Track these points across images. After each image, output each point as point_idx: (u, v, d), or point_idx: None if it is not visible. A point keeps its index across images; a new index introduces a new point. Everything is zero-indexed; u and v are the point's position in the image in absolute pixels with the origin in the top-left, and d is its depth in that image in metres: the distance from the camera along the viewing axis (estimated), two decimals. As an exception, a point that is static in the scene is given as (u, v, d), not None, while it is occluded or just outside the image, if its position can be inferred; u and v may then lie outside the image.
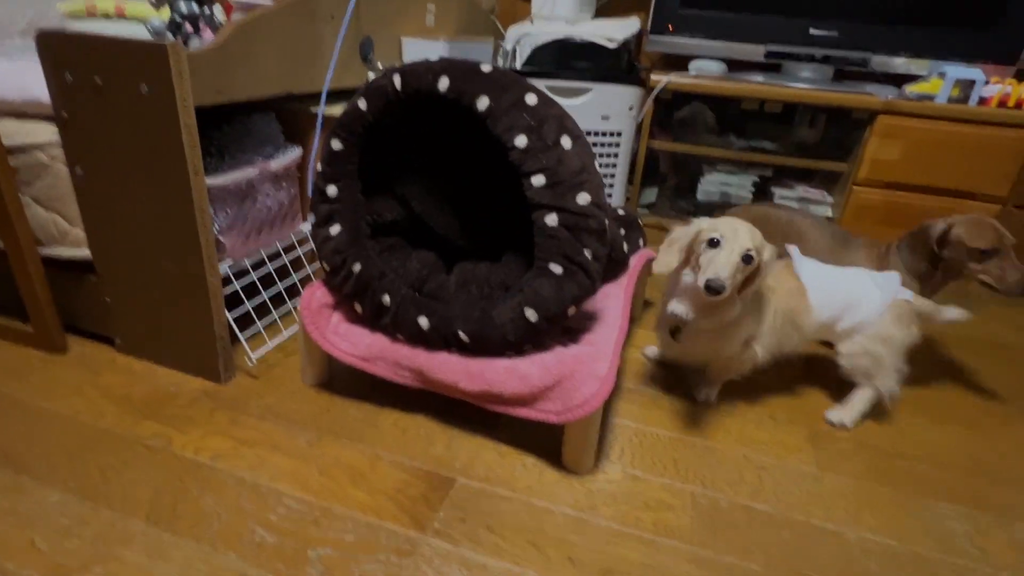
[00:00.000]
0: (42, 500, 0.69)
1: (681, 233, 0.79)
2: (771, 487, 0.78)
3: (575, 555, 0.66)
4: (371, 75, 1.11)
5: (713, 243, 0.74)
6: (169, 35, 0.77)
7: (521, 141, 0.74)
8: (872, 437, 0.90)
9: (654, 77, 1.48)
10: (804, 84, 1.45)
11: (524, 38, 1.48)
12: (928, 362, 1.13)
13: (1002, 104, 1.31)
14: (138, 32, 0.91)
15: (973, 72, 1.32)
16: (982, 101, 1.33)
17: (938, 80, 1.35)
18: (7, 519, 0.66)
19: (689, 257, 0.79)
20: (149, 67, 0.72)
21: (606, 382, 0.74)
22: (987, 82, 1.33)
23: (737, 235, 0.73)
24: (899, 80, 1.52)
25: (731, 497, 0.76)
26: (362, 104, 0.81)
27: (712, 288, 0.70)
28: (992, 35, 1.38)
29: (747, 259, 0.73)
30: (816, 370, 1.06)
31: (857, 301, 0.88)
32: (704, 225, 0.77)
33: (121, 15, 0.92)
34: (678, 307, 0.81)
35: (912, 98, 1.36)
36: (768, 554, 0.68)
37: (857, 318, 0.88)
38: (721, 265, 0.71)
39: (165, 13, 0.77)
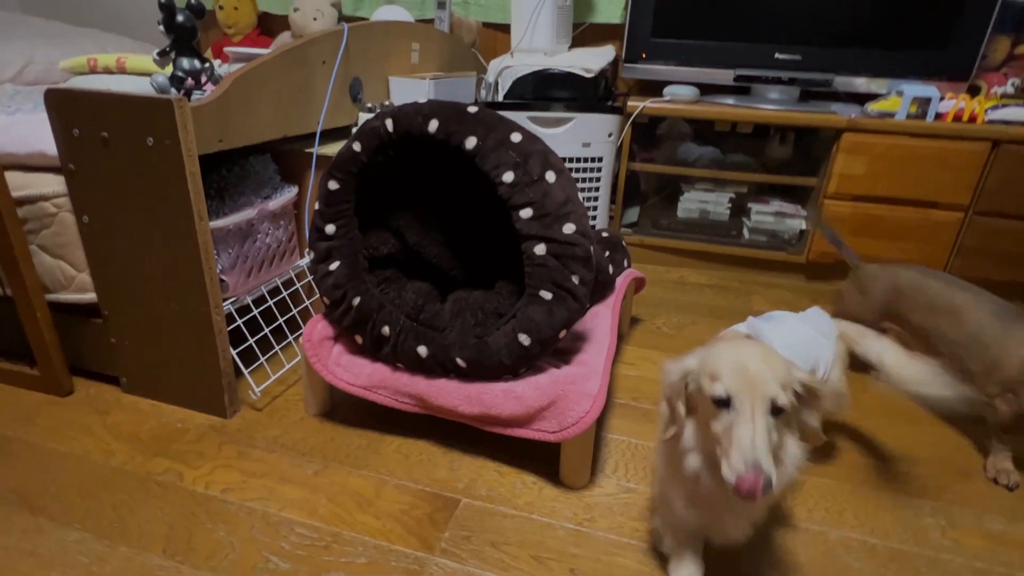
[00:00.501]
0: (61, 540, 0.71)
1: (670, 383, 0.57)
2: (758, 492, 0.82)
3: (577, 566, 0.70)
4: (361, 115, 1.16)
5: (721, 402, 0.51)
6: (173, 90, 0.82)
7: (508, 177, 0.79)
8: (849, 439, 0.95)
9: (631, 103, 1.55)
10: (772, 105, 1.53)
11: (505, 71, 1.54)
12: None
13: (957, 118, 1.39)
14: (140, 84, 0.96)
15: (929, 90, 1.41)
16: (939, 116, 1.41)
17: (897, 98, 1.43)
18: (29, 560, 0.68)
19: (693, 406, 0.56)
20: (155, 121, 0.76)
21: (598, 400, 0.78)
22: (942, 98, 1.42)
23: (752, 383, 0.50)
24: (862, 99, 1.61)
25: (721, 504, 0.80)
26: (356, 146, 0.86)
27: (746, 491, 0.47)
28: (945, 54, 1.47)
29: (778, 411, 0.50)
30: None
31: (816, 356, 0.74)
32: (693, 365, 0.55)
33: (122, 69, 0.96)
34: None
35: (873, 115, 1.44)
36: (756, 556, 0.72)
37: (821, 372, 0.74)
38: (746, 448, 0.48)
39: (168, 68, 0.82)
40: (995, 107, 1.37)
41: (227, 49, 1.07)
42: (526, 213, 0.78)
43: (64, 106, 0.80)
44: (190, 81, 0.81)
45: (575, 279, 0.79)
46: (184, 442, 0.89)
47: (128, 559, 0.69)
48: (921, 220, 1.45)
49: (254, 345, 1.00)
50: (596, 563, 0.70)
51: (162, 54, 0.81)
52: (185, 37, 0.80)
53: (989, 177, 1.37)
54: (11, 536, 0.71)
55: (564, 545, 0.73)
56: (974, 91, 1.53)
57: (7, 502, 0.76)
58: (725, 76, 1.60)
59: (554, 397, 0.79)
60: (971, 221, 1.42)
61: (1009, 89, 1.48)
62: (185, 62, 0.81)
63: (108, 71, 0.97)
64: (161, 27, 0.78)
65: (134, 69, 0.96)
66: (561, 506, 0.79)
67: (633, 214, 1.77)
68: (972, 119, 1.38)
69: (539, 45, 1.64)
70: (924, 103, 1.41)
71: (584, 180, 1.54)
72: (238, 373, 0.97)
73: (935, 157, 1.39)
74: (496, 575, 0.68)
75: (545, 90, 1.49)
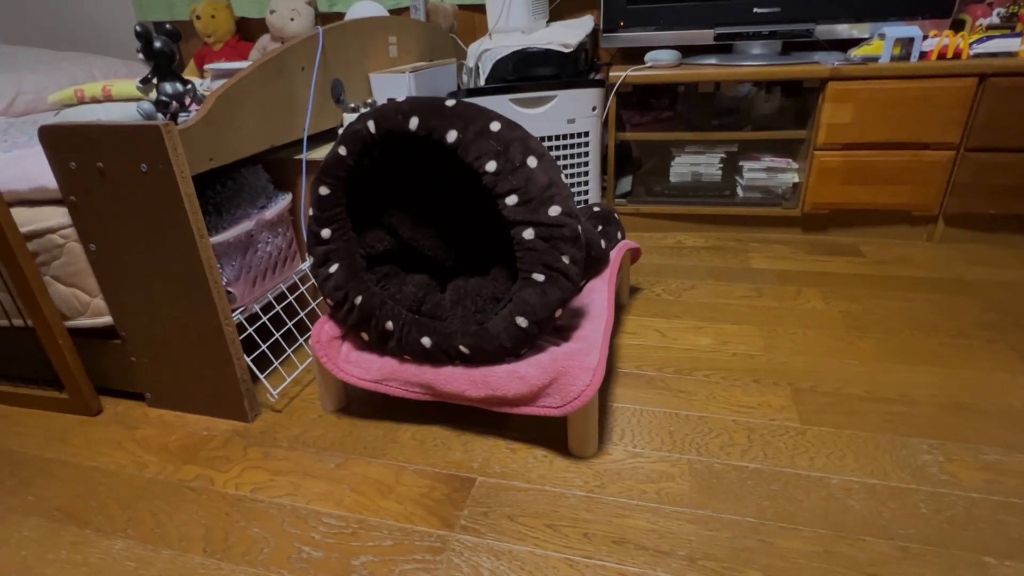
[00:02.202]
0: (108, 549, 0.77)
1: None
2: (759, 445, 0.86)
3: (589, 530, 0.74)
4: (345, 116, 1.18)
5: None
6: (160, 115, 0.84)
7: (491, 166, 0.81)
8: (848, 387, 0.98)
9: (613, 73, 1.55)
10: (755, 61, 1.52)
11: (484, 54, 1.54)
12: (894, 309, 1.21)
13: (942, 56, 1.38)
14: (127, 111, 0.99)
15: (911, 30, 1.39)
16: (923, 56, 1.40)
17: (879, 41, 1.42)
18: (81, 570, 0.74)
19: None
20: (146, 147, 0.79)
21: (597, 373, 0.81)
22: (925, 37, 1.40)
23: None
24: (844, 45, 1.59)
25: (724, 460, 0.84)
26: (342, 150, 0.88)
27: None
28: (926, -10, 1.45)
29: None
30: (793, 332, 1.14)
31: None
32: None
33: (109, 97, 0.99)
34: None
35: (857, 62, 1.43)
36: (760, 506, 0.76)
37: None
38: None
39: (153, 94, 0.84)
40: (979, 40, 1.36)
41: (207, 67, 1.09)
42: (511, 200, 0.81)
43: (58, 141, 0.83)
44: (175, 104, 0.84)
45: (565, 259, 0.81)
46: (211, 448, 0.94)
47: (171, 561, 0.74)
48: (913, 162, 1.45)
49: (267, 351, 1.04)
50: (608, 526, 0.75)
51: (144, 81, 0.84)
52: (165, 62, 0.83)
53: (978, 113, 1.37)
54: (62, 550, 0.77)
55: (576, 512, 0.77)
56: (958, 26, 1.51)
57: (53, 519, 0.82)
58: (705, 36, 1.59)
59: (555, 374, 0.82)
60: (963, 158, 1.42)
61: (995, 20, 1.46)
62: (168, 86, 0.83)
63: (96, 100, 1.00)
64: (140, 55, 0.80)
65: (120, 96, 0.98)
66: (572, 475, 0.83)
67: (627, 184, 1.78)
68: (957, 55, 1.37)
69: (516, 23, 1.64)
70: (907, 43, 1.40)
71: (572, 156, 1.55)
72: (255, 379, 1.02)
73: (922, 98, 1.38)
74: (514, 545, 0.73)
75: (525, 70, 1.49)
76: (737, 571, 0.67)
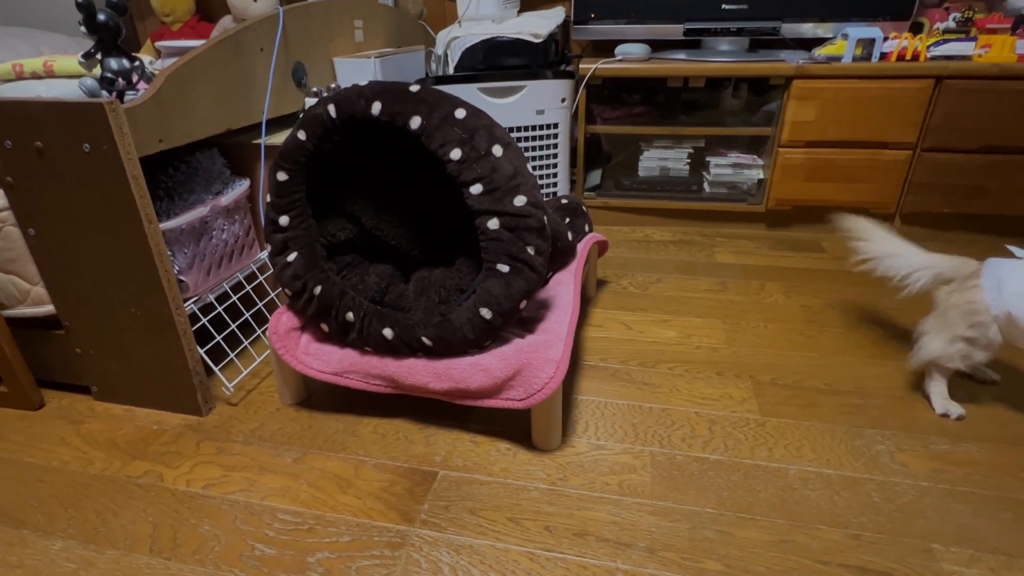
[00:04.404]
0: (46, 550, 0.73)
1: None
2: (720, 437, 0.87)
3: (551, 523, 0.74)
4: (308, 100, 1.14)
5: None
6: (104, 93, 0.80)
7: (456, 154, 0.79)
8: (808, 379, 0.99)
9: (583, 65, 1.55)
10: (723, 57, 1.53)
11: (453, 42, 1.52)
12: (852, 305, 1.24)
13: (901, 58, 1.42)
14: (71, 88, 0.93)
15: (872, 31, 1.42)
16: (883, 57, 1.43)
17: (842, 41, 1.45)
18: (16, 572, 0.70)
19: None
20: (88, 126, 0.75)
21: (561, 365, 0.81)
22: (886, 38, 1.43)
23: None
24: (809, 44, 1.62)
25: (685, 451, 0.84)
26: (301, 135, 0.85)
27: None
28: (887, -7, 1.48)
29: None
30: (755, 325, 1.16)
31: None
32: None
33: (51, 73, 0.93)
34: None
35: (821, 61, 1.45)
36: (720, 497, 0.76)
37: None
38: None
39: (97, 70, 0.80)
40: (936, 43, 1.39)
41: (158, 44, 1.04)
42: (476, 189, 0.79)
43: (-8, 117, 0.78)
44: (121, 82, 0.79)
45: (530, 250, 0.80)
46: (161, 443, 0.90)
47: (115, 561, 0.71)
48: (872, 161, 1.48)
49: (222, 342, 1.00)
50: (570, 518, 0.74)
51: (87, 56, 0.79)
52: (110, 36, 0.78)
53: (934, 114, 1.41)
54: (-4, 551, 0.72)
55: (539, 505, 0.76)
56: (917, 28, 1.55)
57: (-12, 519, 0.77)
58: (675, 31, 1.60)
59: (519, 366, 0.81)
60: (919, 158, 1.46)
61: (951, 24, 1.51)
62: (113, 62, 0.78)
63: (36, 76, 0.94)
64: (83, 28, 0.76)
65: (63, 72, 0.92)
66: (535, 468, 0.82)
67: (596, 177, 1.78)
68: (916, 57, 1.40)
69: (487, 12, 1.61)
70: (869, 44, 1.42)
71: (541, 148, 1.54)
72: (209, 371, 0.98)
73: (882, 98, 1.42)
74: (474, 539, 0.72)
75: (495, 59, 1.47)
76: (696, 562, 0.68)
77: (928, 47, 1.40)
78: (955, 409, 0.89)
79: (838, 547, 0.69)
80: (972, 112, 1.38)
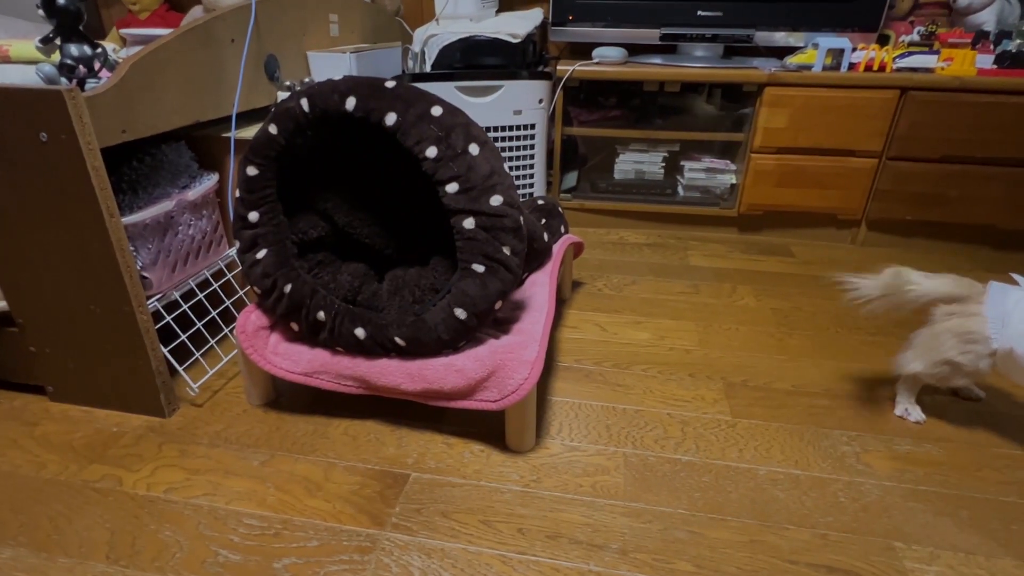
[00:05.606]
0: (-6, 558, 0.69)
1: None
2: (692, 438, 0.87)
3: (524, 525, 0.73)
4: (280, 94, 1.12)
5: None
6: (63, 80, 0.76)
7: (432, 152, 0.78)
8: (777, 381, 1.01)
9: (561, 67, 1.55)
10: (698, 63, 1.55)
11: (431, 39, 1.50)
12: (821, 308, 1.27)
13: (868, 68, 1.46)
14: (28, 75, 0.89)
15: (842, 41, 1.46)
16: (852, 67, 1.47)
17: (813, 51, 1.48)
18: (-40, 582, 0.66)
19: None
20: (46, 115, 0.72)
21: (536, 366, 0.80)
22: (855, 49, 1.47)
23: None
24: (781, 53, 1.65)
25: (658, 452, 0.85)
26: (273, 129, 0.83)
27: None
28: (855, 5, 1.52)
29: None
30: (727, 328, 1.18)
31: None
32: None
33: (6, 58, 0.89)
34: None
35: (792, 69, 1.48)
36: (692, 498, 0.77)
37: None
38: None
39: (55, 56, 0.76)
40: (902, 55, 1.44)
41: (123, 32, 1.00)
42: (452, 187, 0.78)
43: (-60, 103, 0.74)
44: (82, 69, 0.76)
45: (506, 250, 0.80)
46: (121, 446, 0.86)
47: (69, 569, 0.68)
48: (840, 168, 1.52)
49: (187, 341, 0.97)
50: (543, 520, 0.74)
51: (45, 41, 0.75)
52: (69, 21, 0.75)
53: (898, 124, 1.45)
54: (-61, 560, 0.69)
55: (512, 507, 0.76)
56: (884, 40, 1.60)
57: (-69, 526, 0.73)
58: (651, 36, 1.61)
59: (493, 367, 0.81)
60: (884, 166, 1.50)
61: (915, 37, 1.56)
62: (73, 48, 0.75)
63: (-10, 61, 0.90)
64: (41, 11, 0.72)
65: (19, 58, 0.88)
66: (508, 470, 0.82)
67: (572, 179, 1.78)
68: (882, 68, 1.44)
69: (464, 11, 1.60)
70: (838, 54, 1.46)
71: (517, 149, 1.54)
72: (173, 371, 0.95)
73: (850, 107, 1.45)
74: (446, 542, 0.71)
75: (472, 58, 1.47)
76: (668, 563, 0.68)
77: (894, 59, 1.44)
78: (916, 415, 0.92)
79: (806, 547, 0.70)
80: (934, 123, 1.43)
